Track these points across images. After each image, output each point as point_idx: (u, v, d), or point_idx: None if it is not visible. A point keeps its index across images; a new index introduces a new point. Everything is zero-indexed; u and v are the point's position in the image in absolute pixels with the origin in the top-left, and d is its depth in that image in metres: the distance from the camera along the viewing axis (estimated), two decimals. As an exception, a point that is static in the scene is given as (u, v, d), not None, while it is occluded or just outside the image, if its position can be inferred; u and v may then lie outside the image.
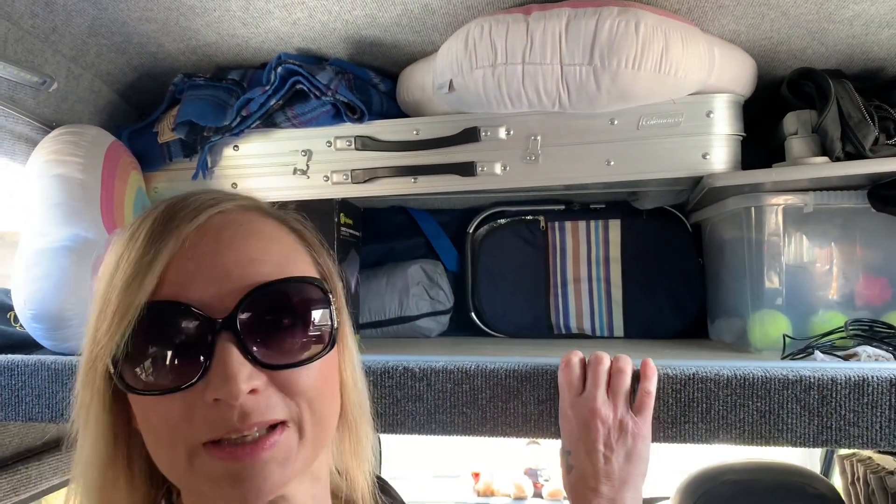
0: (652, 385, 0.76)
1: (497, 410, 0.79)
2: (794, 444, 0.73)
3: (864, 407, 0.72)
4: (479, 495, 2.69)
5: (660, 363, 0.78)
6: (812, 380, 0.73)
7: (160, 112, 1.22)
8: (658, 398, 0.77)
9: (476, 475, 2.77)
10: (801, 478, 1.35)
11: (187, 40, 1.15)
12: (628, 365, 0.78)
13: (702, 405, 0.75)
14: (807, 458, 1.93)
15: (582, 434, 0.75)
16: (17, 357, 0.89)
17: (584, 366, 0.79)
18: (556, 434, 0.79)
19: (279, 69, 1.11)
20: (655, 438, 0.77)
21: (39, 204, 1.01)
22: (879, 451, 1.36)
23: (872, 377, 0.72)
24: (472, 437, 0.81)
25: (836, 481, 1.52)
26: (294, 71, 1.11)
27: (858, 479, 1.40)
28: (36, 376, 0.87)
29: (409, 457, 3.02)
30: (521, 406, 0.79)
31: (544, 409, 0.80)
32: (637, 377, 0.78)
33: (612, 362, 0.78)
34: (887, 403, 0.72)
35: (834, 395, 0.72)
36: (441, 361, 0.80)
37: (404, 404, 0.80)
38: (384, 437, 2.24)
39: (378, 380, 0.80)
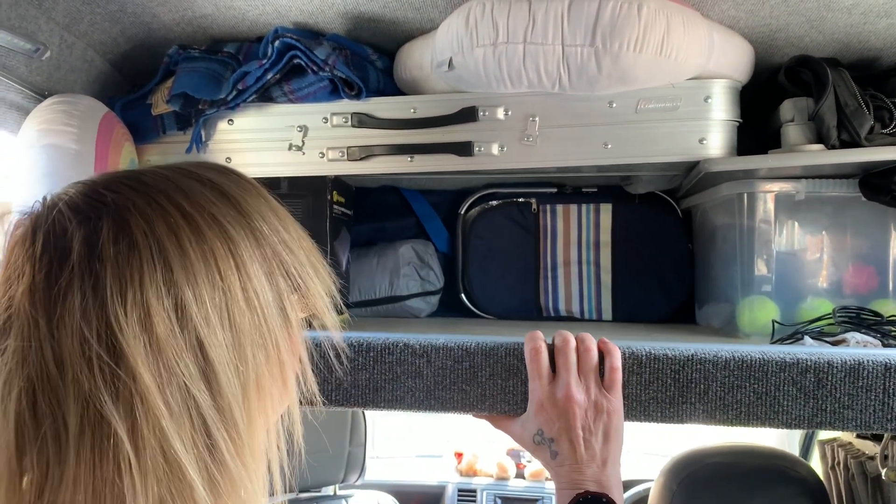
0: (617, 360, 0.78)
1: (496, 388, 0.80)
2: (790, 426, 0.74)
3: (859, 390, 0.73)
4: (461, 475, 2.70)
5: (658, 345, 0.79)
6: (809, 363, 0.74)
7: (154, 84, 1.20)
8: (657, 378, 0.77)
9: (459, 455, 2.78)
10: (783, 461, 1.36)
11: (183, 11, 1.13)
12: (593, 343, 0.79)
13: (700, 386, 0.76)
14: (785, 442, 1.96)
15: (561, 421, 0.76)
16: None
17: (548, 348, 0.80)
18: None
19: (276, 43, 1.10)
20: (654, 419, 0.78)
21: (31, 174, 1.00)
22: (860, 437, 1.38)
23: (868, 361, 0.73)
24: (470, 414, 0.82)
25: (815, 465, 1.55)
26: (291, 45, 1.09)
27: (839, 463, 1.42)
28: None
29: (393, 436, 3.03)
30: (521, 384, 0.79)
31: None
32: (601, 356, 0.79)
33: (577, 342, 0.79)
34: (881, 387, 0.73)
35: (829, 379, 0.74)
36: (441, 339, 0.81)
37: (404, 380, 0.80)
38: (369, 416, 2.25)
39: (378, 356, 0.80)
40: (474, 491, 2.59)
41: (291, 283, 0.58)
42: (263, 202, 0.59)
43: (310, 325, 0.63)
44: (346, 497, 2.18)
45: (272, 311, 0.55)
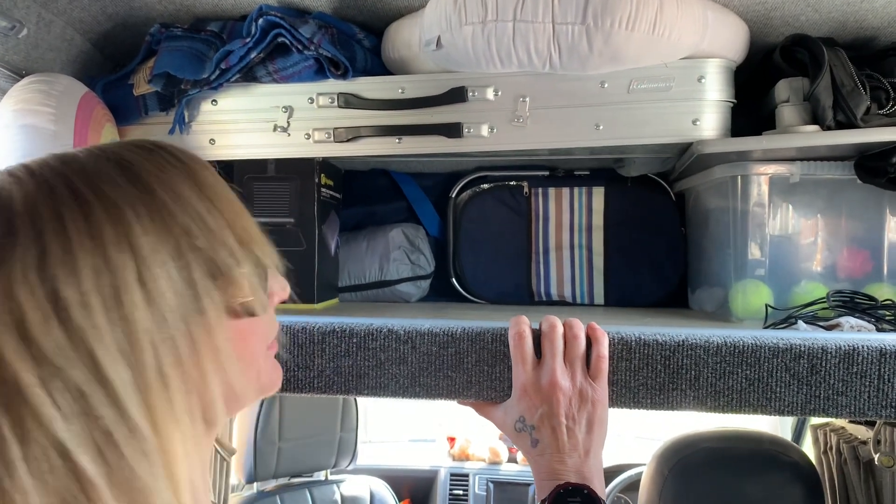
0: (605, 348, 0.76)
1: (483, 374, 0.78)
2: (782, 413, 0.73)
3: (853, 376, 0.72)
4: (454, 459, 2.71)
5: (648, 330, 0.77)
6: (802, 348, 0.73)
7: (136, 63, 1.17)
8: (647, 364, 0.76)
9: (451, 440, 2.79)
10: (775, 446, 1.36)
11: (164, -12, 1.10)
12: (581, 330, 0.77)
13: (691, 372, 0.75)
14: (778, 427, 1.96)
15: (544, 408, 0.74)
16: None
17: (535, 333, 0.78)
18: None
19: (260, 21, 1.07)
20: (643, 405, 0.76)
21: (8, 155, 0.97)
22: (853, 422, 1.38)
23: (862, 347, 0.72)
24: (455, 401, 0.80)
25: (808, 450, 1.54)
26: (276, 23, 1.07)
27: (831, 448, 1.42)
28: None
29: (386, 421, 3.03)
30: (508, 371, 0.78)
31: None
32: (589, 342, 0.77)
33: (564, 328, 0.78)
34: (875, 373, 0.72)
35: (823, 364, 0.72)
36: (426, 324, 0.79)
37: (388, 367, 0.79)
38: (361, 401, 2.24)
39: (361, 342, 0.78)
40: (467, 475, 2.59)
41: (208, 268, 0.52)
42: (186, 180, 0.53)
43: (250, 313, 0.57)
44: (337, 482, 2.18)
45: (182, 301, 0.49)
